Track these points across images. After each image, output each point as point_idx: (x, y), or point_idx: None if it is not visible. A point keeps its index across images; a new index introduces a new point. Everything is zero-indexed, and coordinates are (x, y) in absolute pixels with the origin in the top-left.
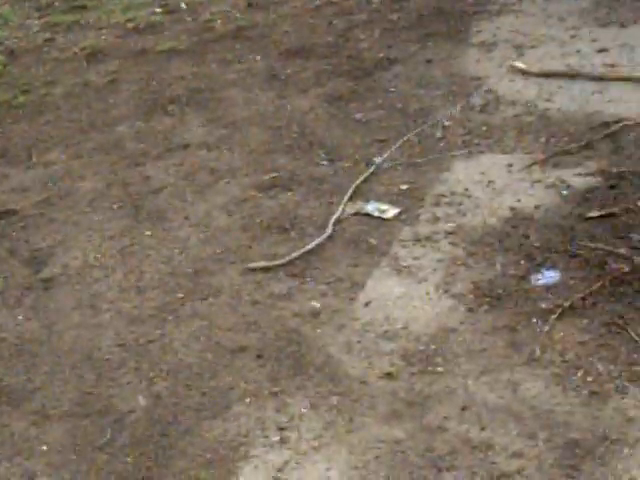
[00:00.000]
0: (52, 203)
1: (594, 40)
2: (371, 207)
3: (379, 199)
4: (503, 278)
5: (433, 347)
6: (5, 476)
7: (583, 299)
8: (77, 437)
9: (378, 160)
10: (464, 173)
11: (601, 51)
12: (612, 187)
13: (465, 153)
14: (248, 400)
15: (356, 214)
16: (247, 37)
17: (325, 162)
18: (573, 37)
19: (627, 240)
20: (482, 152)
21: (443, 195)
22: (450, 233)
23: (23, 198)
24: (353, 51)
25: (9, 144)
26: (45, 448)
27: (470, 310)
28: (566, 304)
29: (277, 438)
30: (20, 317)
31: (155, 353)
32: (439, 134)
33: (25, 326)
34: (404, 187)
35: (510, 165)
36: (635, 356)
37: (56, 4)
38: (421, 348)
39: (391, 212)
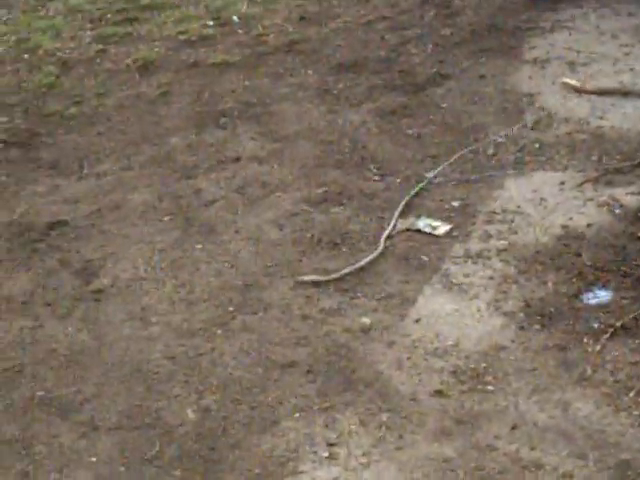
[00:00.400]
0: (103, 215)
1: None
2: (422, 223)
3: (430, 215)
4: (555, 296)
5: (484, 365)
6: None
7: (635, 319)
8: (126, 449)
9: (429, 176)
10: (516, 190)
11: None
12: None
13: (517, 170)
14: (297, 415)
15: (407, 230)
16: (299, 51)
17: (376, 177)
18: (627, 54)
19: None
20: (534, 170)
21: (495, 212)
22: (502, 250)
23: (74, 209)
24: (405, 66)
25: (61, 155)
26: (94, 460)
27: (521, 328)
28: (618, 324)
29: (326, 454)
30: (70, 328)
31: (205, 366)
32: (491, 151)
33: (75, 337)
34: (456, 204)
35: (562, 183)
36: None
37: (108, 16)
38: (472, 366)
39: (442, 229)
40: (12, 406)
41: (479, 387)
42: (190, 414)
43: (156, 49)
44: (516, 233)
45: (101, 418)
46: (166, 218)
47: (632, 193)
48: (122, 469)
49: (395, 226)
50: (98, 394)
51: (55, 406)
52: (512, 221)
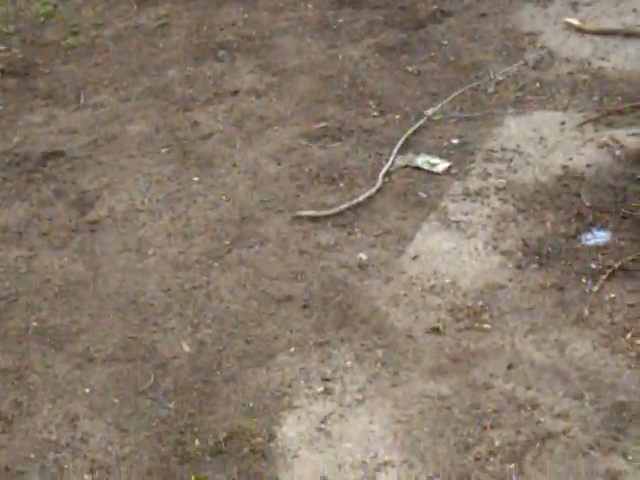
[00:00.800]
0: (100, 145)
1: None
2: (421, 160)
3: (429, 152)
4: (553, 236)
5: (480, 303)
6: (47, 418)
7: (633, 261)
8: (120, 381)
9: (429, 113)
10: (516, 129)
11: None
12: None
13: (517, 109)
14: (292, 350)
15: (406, 167)
16: None
17: (375, 113)
18: None
19: None
20: (535, 109)
21: (494, 151)
22: (500, 189)
23: (71, 140)
24: (406, 2)
25: (58, 85)
26: (88, 391)
27: (519, 267)
28: (616, 265)
29: (321, 389)
30: (65, 259)
31: (200, 299)
32: (491, 89)
33: (70, 268)
34: (455, 141)
35: (563, 123)
36: None
37: None
38: (468, 304)
39: (441, 166)
40: (6, 336)
41: (476, 325)
42: (185, 347)
43: None
44: (515, 172)
45: (96, 349)
46: (163, 150)
47: (633, 134)
48: (116, 400)
49: (393, 162)
50: (93, 325)
51: (50, 336)
52: (511, 160)
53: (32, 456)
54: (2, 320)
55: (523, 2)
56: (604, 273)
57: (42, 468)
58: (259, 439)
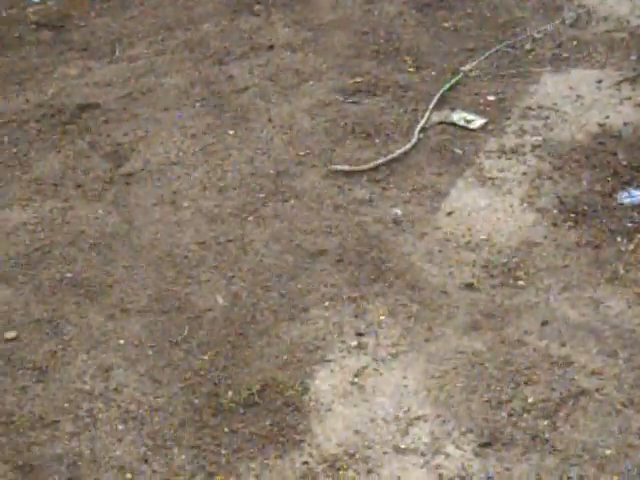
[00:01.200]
0: (135, 98)
1: None
2: (457, 116)
3: (465, 109)
4: (589, 194)
5: (515, 260)
6: (82, 368)
7: None
8: (154, 332)
9: (465, 69)
10: (552, 87)
11: None
12: None
13: (554, 67)
14: (326, 304)
15: (441, 123)
16: None
17: (411, 69)
18: None
19: None
20: (571, 66)
21: (530, 108)
22: (536, 146)
23: (106, 92)
24: None
25: (92, 38)
26: (122, 342)
27: (554, 225)
28: None
29: (354, 343)
30: (100, 211)
31: (235, 253)
32: (528, 46)
33: (105, 220)
34: (491, 98)
35: (599, 81)
36: None
37: None
38: (503, 260)
39: (477, 122)
40: (41, 287)
41: (510, 282)
42: (219, 299)
43: None
44: (551, 130)
45: (130, 301)
46: (198, 104)
47: None
48: (150, 352)
49: (429, 118)
50: (127, 277)
51: (84, 288)
52: (548, 117)
53: (66, 406)
54: (37, 271)
55: None
56: (639, 231)
57: (76, 418)
58: (292, 392)
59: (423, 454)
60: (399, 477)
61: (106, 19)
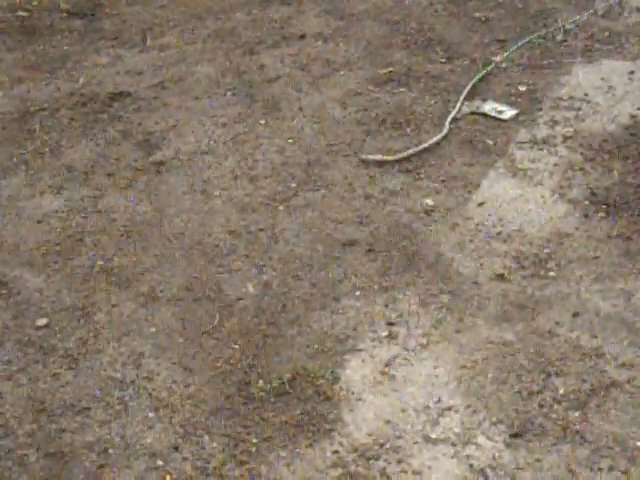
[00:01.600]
0: (166, 87)
1: None
2: (488, 107)
3: (496, 99)
4: (620, 186)
5: (546, 251)
6: (113, 356)
7: None
8: (185, 321)
9: (497, 60)
10: (584, 78)
11: None
12: None
13: (586, 58)
14: (357, 294)
15: (473, 113)
16: None
17: (442, 59)
18: None
19: None
20: (603, 58)
21: (562, 99)
22: (568, 137)
23: (137, 81)
24: None
25: (124, 26)
26: (153, 330)
27: (585, 216)
28: None
29: (385, 333)
30: (131, 199)
31: (265, 242)
32: (560, 37)
33: (136, 209)
34: (522, 89)
35: (631, 72)
36: None
37: None
38: (534, 251)
39: (509, 113)
40: (72, 274)
41: (541, 273)
42: (250, 288)
43: None
44: (583, 121)
45: (161, 289)
46: (229, 93)
47: None
48: (181, 340)
49: (460, 109)
50: (158, 265)
51: (115, 275)
52: (579, 108)
53: (97, 393)
54: (68, 258)
55: None
56: None
57: (106, 405)
58: (323, 381)
59: (454, 444)
60: (429, 467)
61: (137, 8)
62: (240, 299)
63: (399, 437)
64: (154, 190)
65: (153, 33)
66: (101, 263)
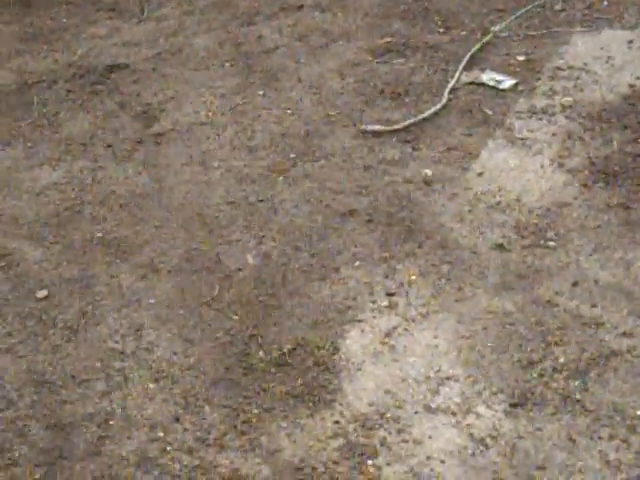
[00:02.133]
0: (164, 58)
1: None
2: (487, 77)
3: (495, 69)
4: (619, 155)
5: (546, 221)
6: (113, 327)
7: None
8: (185, 292)
9: (495, 29)
10: (583, 47)
11: None
12: None
13: (584, 27)
14: (357, 264)
15: (471, 83)
16: None
17: (441, 29)
18: None
19: None
20: (602, 27)
21: (561, 69)
22: (567, 107)
23: (135, 52)
24: None
25: None
26: (153, 301)
27: (585, 186)
28: None
29: (385, 303)
30: (130, 171)
31: (265, 212)
32: (559, 7)
33: (135, 180)
34: (521, 58)
35: (630, 42)
36: None
37: None
38: (534, 221)
39: (507, 83)
40: (71, 246)
41: (541, 243)
42: (250, 259)
43: None
44: (582, 90)
45: (160, 260)
46: (227, 64)
47: None
48: (181, 311)
49: (459, 79)
50: (158, 237)
51: (115, 247)
52: (578, 78)
53: (97, 365)
54: (67, 230)
55: None
56: None
57: (107, 377)
58: (323, 351)
59: (454, 414)
60: (430, 436)
61: None
62: (240, 270)
63: (399, 407)
64: (153, 161)
65: (150, 4)
66: (100, 235)
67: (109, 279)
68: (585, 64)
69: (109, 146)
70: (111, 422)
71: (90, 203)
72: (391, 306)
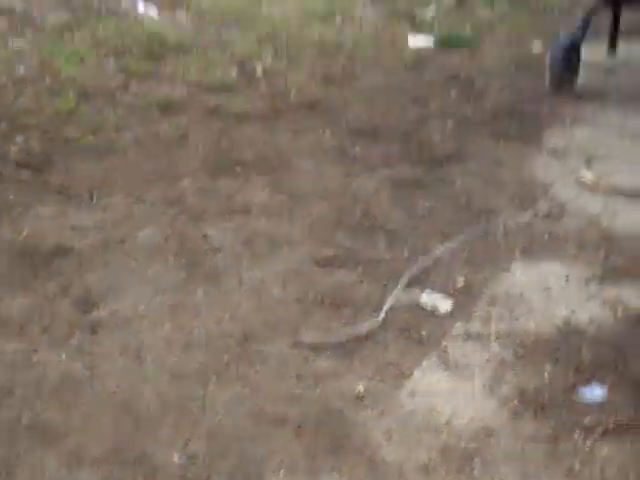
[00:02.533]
0: (108, 246)
1: None
2: (425, 298)
3: (434, 291)
4: (550, 387)
5: (473, 446)
6: None
7: (628, 422)
8: None
9: (437, 252)
10: (522, 277)
11: None
12: None
13: (525, 257)
14: (282, 472)
15: (410, 303)
16: (320, 110)
17: (384, 246)
18: None
19: None
20: (541, 259)
21: (498, 296)
22: (501, 335)
23: (80, 238)
24: (424, 139)
25: (72, 182)
26: None
27: (514, 414)
28: (611, 423)
29: None
30: (64, 356)
31: (195, 412)
32: (501, 235)
33: (68, 365)
34: (460, 283)
35: (568, 276)
36: None
37: (134, 50)
38: (461, 445)
39: (445, 306)
40: None
41: (466, 469)
42: (176, 458)
43: (178, 90)
44: (517, 319)
45: (86, 449)
46: (171, 259)
47: (638, 296)
48: None
49: (398, 297)
50: (86, 425)
51: (41, 432)
52: (514, 306)
53: None
54: None
55: (539, 152)
56: (598, 429)
57: None
58: None
59: None
60: None
61: (87, 165)
62: (166, 466)
63: None
64: (88, 349)
65: (100, 192)
66: (28, 418)
67: (33, 464)
68: (522, 293)
69: (46, 329)
70: None
71: (21, 385)
72: None
